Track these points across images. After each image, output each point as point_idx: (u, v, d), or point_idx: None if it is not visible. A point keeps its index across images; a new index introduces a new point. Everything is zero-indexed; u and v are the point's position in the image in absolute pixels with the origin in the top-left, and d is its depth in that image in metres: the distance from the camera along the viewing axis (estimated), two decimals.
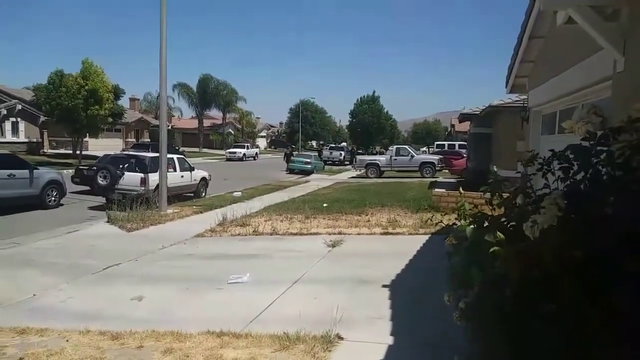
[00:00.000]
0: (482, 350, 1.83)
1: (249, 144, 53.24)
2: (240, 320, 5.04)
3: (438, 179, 23.30)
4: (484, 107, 15.98)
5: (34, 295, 5.97)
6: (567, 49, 5.35)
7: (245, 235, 9.89)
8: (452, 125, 61.00)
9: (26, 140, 34.98)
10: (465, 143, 30.50)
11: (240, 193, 17.03)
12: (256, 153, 50.98)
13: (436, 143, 48.04)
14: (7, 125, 34.46)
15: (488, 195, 2.19)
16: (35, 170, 13.35)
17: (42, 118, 32.20)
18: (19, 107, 32.97)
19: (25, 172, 12.95)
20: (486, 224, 2.08)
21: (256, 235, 9.88)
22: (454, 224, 2.34)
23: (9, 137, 34.22)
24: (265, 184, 21.88)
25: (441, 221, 2.53)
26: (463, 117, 20.10)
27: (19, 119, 34.39)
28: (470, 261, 1.91)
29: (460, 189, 2.78)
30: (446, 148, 39.03)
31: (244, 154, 46.52)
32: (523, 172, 2.06)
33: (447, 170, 28.22)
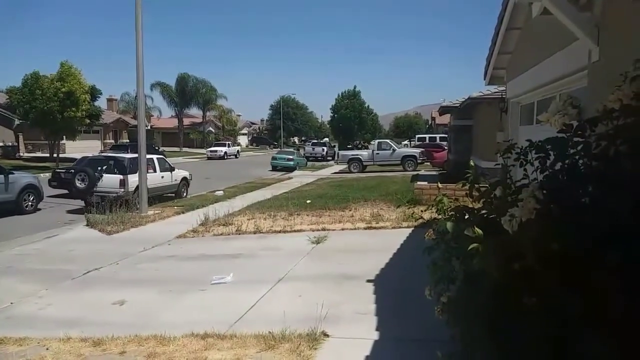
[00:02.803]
0: (465, 345, 1.82)
1: (230, 142, 52.85)
2: (224, 321, 4.99)
3: (420, 172, 23.46)
4: (464, 99, 16.10)
5: (12, 303, 5.84)
6: (543, 40, 5.40)
7: (228, 234, 9.81)
8: (433, 118, 61.43)
9: (1, 144, 34.17)
10: (446, 135, 30.77)
11: (222, 192, 16.89)
12: (237, 151, 50.62)
13: (417, 136, 48.32)
14: None
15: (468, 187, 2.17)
16: (10, 175, 13.03)
17: (17, 121, 31.44)
18: None
19: (0, 177, 12.64)
20: (467, 216, 2.07)
21: (239, 234, 9.80)
22: (435, 218, 2.33)
23: None
24: (248, 182, 21.74)
25: (421, 217, 2.52)
26: (443, 110, 20.27)
27: None
28: (451, 256, 1.90)
29: (439, 183, 2.78)
30: (427, 141, 39.30)
31: (225, 152, 46.18)
32: (503, 163, 2.05)
33: (428, 163, 28.43)
